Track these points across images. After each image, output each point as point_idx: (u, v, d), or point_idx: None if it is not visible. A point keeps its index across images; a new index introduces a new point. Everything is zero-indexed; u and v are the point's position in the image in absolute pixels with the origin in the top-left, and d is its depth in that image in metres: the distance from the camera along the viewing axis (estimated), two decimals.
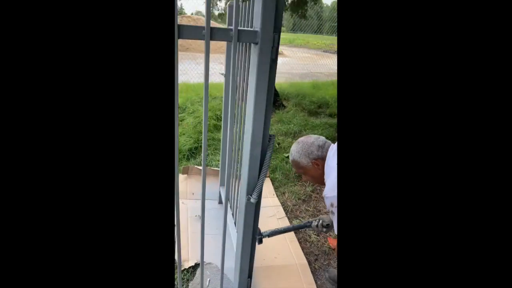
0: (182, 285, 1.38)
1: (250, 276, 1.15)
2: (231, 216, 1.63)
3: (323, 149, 1.16)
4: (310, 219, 1.41)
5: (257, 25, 0.74)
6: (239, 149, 1.33)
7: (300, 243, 1.70)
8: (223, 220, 0.98)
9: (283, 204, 2.06)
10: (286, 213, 1.96)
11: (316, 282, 1.47)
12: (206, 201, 1.94)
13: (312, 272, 1.53)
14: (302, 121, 3.52)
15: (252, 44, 0.78)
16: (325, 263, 1.62)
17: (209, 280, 1.39)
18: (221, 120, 3.23)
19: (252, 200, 0.92)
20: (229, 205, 1.65)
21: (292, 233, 1.75)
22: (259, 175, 0.90)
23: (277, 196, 2.15)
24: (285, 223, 1.86)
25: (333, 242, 1.75)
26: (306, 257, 1.61)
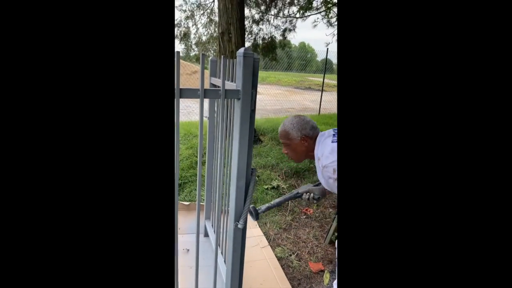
0: None
1: None
2: (217, 246, 1.73)
3: (315, 131, 1.29)
4: (300, 191, 1.43)
5: (239, 85, 0.96)
6: (223, 184, 1.49)
7: (283, 269, 1.82)
8: (214, 249, 1.11)
9: (265, 233, 2.19)
10: (268, 242, 2.08)
11: None
12: (191, 235, 2.03)
13: None
14: (279, 154, 3.76)
15: (235, 100, 0.99)
16: (307, 287, 1.73)
17: None
18: (204, 156, 3.39)
19: (239, 225, 1.08)
20: (214, 236, 1.76)
21: (275, 261, 1.87)
22: (244, 203, 1.07)
23: (259, 226, 2.28)
24: (268, 251, 1.98)
25: (314, 266, 1.88)
26: (290, 282, 1.72)
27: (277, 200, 1.43)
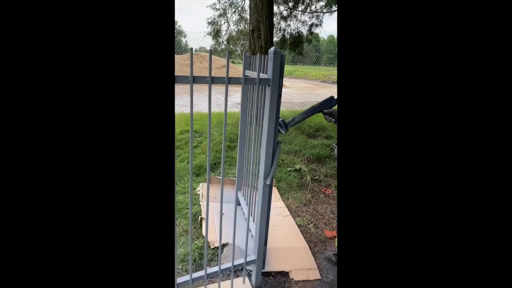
0: (213, 259, 1.82)
1: (265, 244, 1.61)
2: (247, 210, 2.10)
3: None
4: (325, 111, 1.55)
5: (269, 75, 1.29)
6: (253, 164, 1.84)
7: (302, 233, 2.15)
8: (245, 214, 1.45)
9: (287, 206, 2.53)
10: (290, 212, 2.42)
11: (315, 260, 1.91)
12: (226, 203, 2.42)
13: (312, 254, 1.97)
14: (302, 142, 4.06)
15: (266, 86, 1.33)
16: (322, 248, 2.05)
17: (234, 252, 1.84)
18: (233, 142, 3.76)
19: (267, 182, 1.42)
20: (245, 203, 2.12)
21: (295, 227, 2.20)
22: (271, 165, 1.41)
23: (282, 200, 2.62)
24: (290, 219, 2.31)
25: (328, 233, 2.19)
26: (307, 243, 2.05)
27: (303, 113, 1.50)
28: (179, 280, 1.37)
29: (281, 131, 1.47)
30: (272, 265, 1.79)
